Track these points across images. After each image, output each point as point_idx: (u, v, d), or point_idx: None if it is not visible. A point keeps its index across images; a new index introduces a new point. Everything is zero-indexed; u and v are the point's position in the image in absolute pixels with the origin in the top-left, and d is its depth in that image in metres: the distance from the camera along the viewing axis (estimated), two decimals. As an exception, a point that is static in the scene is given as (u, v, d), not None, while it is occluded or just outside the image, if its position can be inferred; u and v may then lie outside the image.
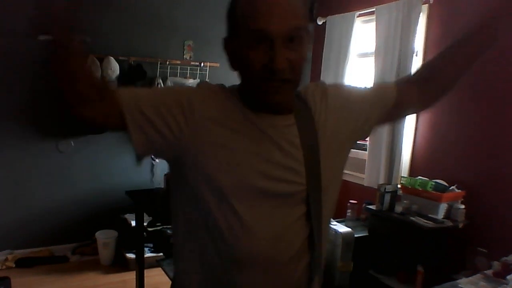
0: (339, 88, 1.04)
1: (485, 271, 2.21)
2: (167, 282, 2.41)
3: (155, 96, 0.88)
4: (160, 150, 0.88)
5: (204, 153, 0.85)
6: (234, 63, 0.88)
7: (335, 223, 2.95)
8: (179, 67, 3.87)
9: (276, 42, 0.80)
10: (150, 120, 0.83)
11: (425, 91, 1.06)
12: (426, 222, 2.62)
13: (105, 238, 3.52)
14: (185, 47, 3.92)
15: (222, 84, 0.94)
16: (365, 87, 1.07)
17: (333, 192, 0.98)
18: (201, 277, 0.91)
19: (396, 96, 1.01)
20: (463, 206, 2.71)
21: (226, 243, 0.86)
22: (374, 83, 1.07)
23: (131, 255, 3.36)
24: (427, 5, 3.12)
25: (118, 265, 3.50)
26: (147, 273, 2.88)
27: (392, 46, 3.31)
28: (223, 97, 0.90)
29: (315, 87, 0.99)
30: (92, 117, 0.84)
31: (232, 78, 0.92)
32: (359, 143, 3.84)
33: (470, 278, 2.17)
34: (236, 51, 0.85)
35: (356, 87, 1.07)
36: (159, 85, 3.71)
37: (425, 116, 3.19)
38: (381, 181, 3.31)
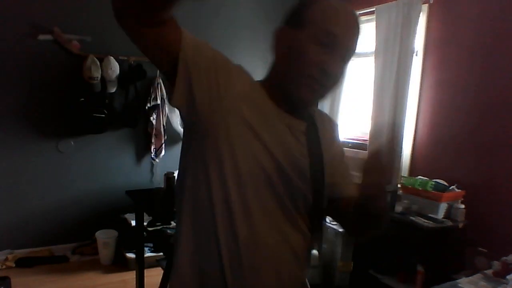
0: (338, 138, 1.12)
1: (485, 271, 2.21)
2: (167, 282, 2.42)
3: (211, 53, 0.86)
4: (192, 107, 0.84)
5: (230, 128, 0.86)
6: (281, 51, 0.92)
7: (335, 223, 2.95)
8: (179, 67, 3.86)
9: (340, 51, 0.89)
10: (200, 74, 0.82)
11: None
12: (426, 222, 2.62)
13: (105, 238, 3.52)
14: (185, 47, 3.92)
15: None
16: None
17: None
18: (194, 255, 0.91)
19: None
20: (463, 206, 2.71)
21: (224, 224, 0.87)
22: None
23: (131, 255, 3.35)
24: (427, 5, 3.12)
25: (118, 265, 3.50)
26: (147, 273, 2.87)
27: (392, 46, 3.31)
28: (256, 84, 0.94)
29: (327, 116, 1.10)
30: (147, 27, 0.76)
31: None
32: (359, 143, 3.83)
33: (470, 278, 2.17)
34: (294, 41, 0.89)
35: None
36: (159, 85, 3.71)
37: (425, 116, 3.19)
38: (381, 181, 3.31)
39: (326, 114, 1.13)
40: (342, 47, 0.89)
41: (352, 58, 0.93)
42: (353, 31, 0.91)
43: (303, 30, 0.89)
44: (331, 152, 1.03)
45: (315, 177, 0.95)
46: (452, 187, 2.77)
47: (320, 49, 0.87)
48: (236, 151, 0.86)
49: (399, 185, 3.02)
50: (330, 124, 1.09)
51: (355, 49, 0.92)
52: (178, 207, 0.95)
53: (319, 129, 1.00)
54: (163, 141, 3.81)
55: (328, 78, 0.89)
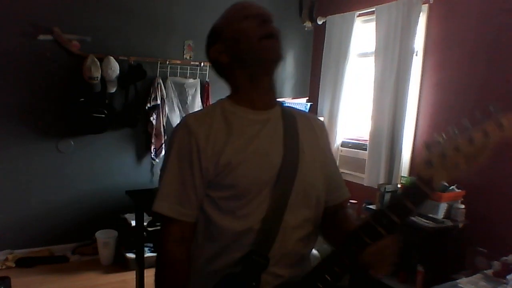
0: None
1: (485, 271, 2.21)
2: (167, 282, 2.41)
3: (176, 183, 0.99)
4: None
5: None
6: (226, 60, 1.03)
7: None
8: (179, 67, 3.87)
9: (260, 16, 1.01)
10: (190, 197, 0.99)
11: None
12: (426, 222, 2.62)
13: (105, 238, 3.52)
14: (185, 47, 3.92)
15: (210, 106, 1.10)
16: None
17: (316, 192, 1.05)
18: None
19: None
20: (463, 206, 2.71)
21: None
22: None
23: (131, 255, 3.36)
24: (427, 5, 3.12)
25: (118, 265, 3.50)
26: (147, 273, 2.87)
27: (392, 46, 3.31)
28: (210, 117, 1.01)
29: (313, 117, 1.18)
30: None
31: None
32: (359, 143, 3.83)
33: (470, 278, 2.17)
34: (227, 39, 1.02)
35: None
36: (159, 85, 3.70)
37: (425, 116, 3.19)
38: (381, 181, 3.31)
39: (313, 116, 1.21)
40: (259, 12, 1.01)
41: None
42: (257, 5, 1.04)
43: (226, 33, 1.03)
44: (323, 154, 1.10)
45: (286, 168, 0.98)
46: (452, 187, 2.77)
47: (251, 22, 1.00)
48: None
49: (399, 185, 3.02)
50: (317, 124, 1.14)
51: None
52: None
53: (299, 126, 1.06)
54: (163, 141, 3.81)
55: (273, 27, 1.01)
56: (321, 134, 1.13)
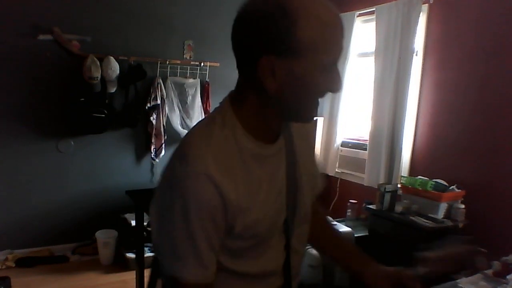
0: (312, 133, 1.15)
1: (485, 271, 2.21)
2: (167, 282, 2.41)
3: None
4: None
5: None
6: (274, 83, 0.81)
7: (335, 222, 2.95)
8: (179, 66, 3.87)
9: (339, 61, 0.87)
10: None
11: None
12: (426, 222, 2.62)
13: (105, 238, 3.52)
14: (185, 47, 3.92)
15: (210, 129, 0.86)
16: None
17: (307, 226, 1.04)
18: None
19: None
20: (463, 206, 2.71)
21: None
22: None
23: (131, 255, 3.35)
24: (427, 5, 3.12)
25: (118, 265, 3.50)
26: (147, 273, 2.87)
27: (392, 46, 3.31)
28: (230, 162, 0.84)
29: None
30: None
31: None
32: (359, 143, 3.84)
33: (470, 278, 2.17)
34: (294, 73, 0.80)
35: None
36: (159, 85, 3.70)
37: (425, 116, 3.19)
38: (381, 181, 3.31)
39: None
40: (341, 56, 0.87)
41: None
42: (344, 34, 0.87)
43: (299, 59, 0.79)
44: (312, 156, 1.07)
45: (291, 194, 0.95)
46: (452, 187, 2.77)
47: (327, 74, 0.83)
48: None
49: (399, 185, 3.02)
50: (304, 127, 1.06)
51: None
52: None
53: (294, 137, 1.00)
54: (163, 141, 3.81)
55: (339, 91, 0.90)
56: (311, 128, 1.09)
